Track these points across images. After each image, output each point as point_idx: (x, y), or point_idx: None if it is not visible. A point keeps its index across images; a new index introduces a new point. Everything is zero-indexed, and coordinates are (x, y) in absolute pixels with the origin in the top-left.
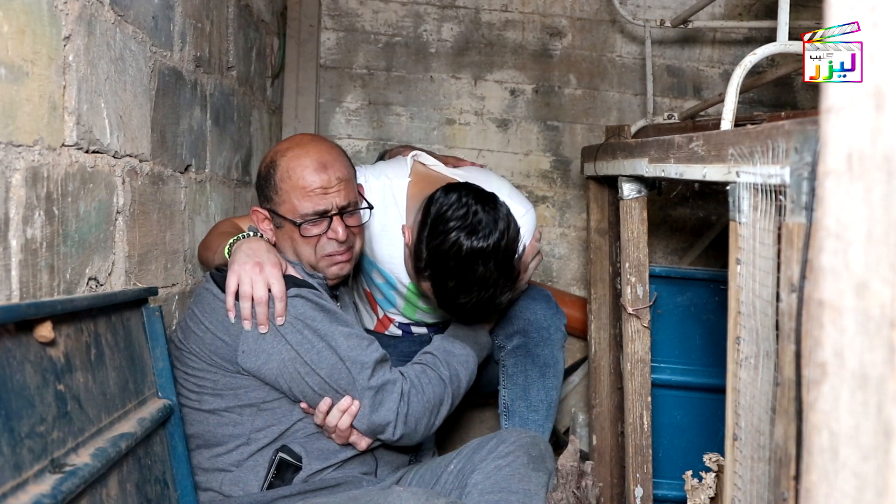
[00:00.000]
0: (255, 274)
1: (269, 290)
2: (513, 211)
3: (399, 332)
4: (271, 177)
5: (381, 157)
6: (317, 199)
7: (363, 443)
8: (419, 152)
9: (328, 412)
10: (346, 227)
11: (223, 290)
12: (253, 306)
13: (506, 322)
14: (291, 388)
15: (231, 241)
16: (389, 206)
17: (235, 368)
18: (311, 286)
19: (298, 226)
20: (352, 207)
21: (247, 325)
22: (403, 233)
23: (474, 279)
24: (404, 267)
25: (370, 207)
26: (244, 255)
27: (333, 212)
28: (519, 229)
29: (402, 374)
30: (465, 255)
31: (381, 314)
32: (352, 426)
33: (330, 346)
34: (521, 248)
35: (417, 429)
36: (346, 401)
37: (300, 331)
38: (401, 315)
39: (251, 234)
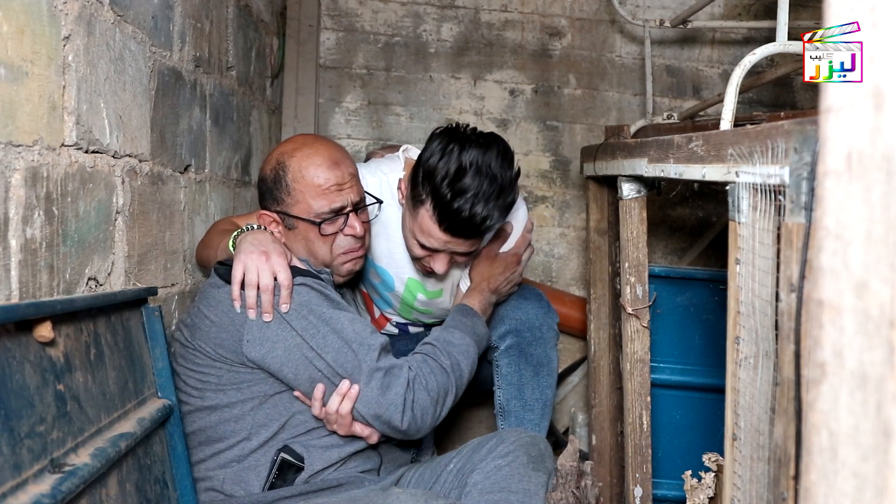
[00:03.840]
0: (261, 262)
1: (275, 279)
2: None
3: (396, 331)
4: (281, 178)
5: (366, 160)
6: (332, 196)
7: (375, 436)
8: (409, 146)
9: (323, 399)
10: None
11: (227, 282)
12: (258, 295)
13: (498, 322)
14: (298, 374)
15: (235, 233)
16: (387, 201)
17: (240, 360)
18: (316, 277)
19: (318, 225)
20: (363, 203)
21: (251, 313)
22: (398, 189)
23: (469, 186)
24: (400, 260)
25: (379, 202)
26: (249, 244)
27: (349, 208)
28: (514, 158)
29: (406, 363)
30: (460, 162)
31: (377, 314)
32: (360, 414)
33: (335, 330)
34: (517, 166)
35: (425, 418)
36: (344, 384)
37: (305, 317)
38: (397, 315)
39: (254, 227)
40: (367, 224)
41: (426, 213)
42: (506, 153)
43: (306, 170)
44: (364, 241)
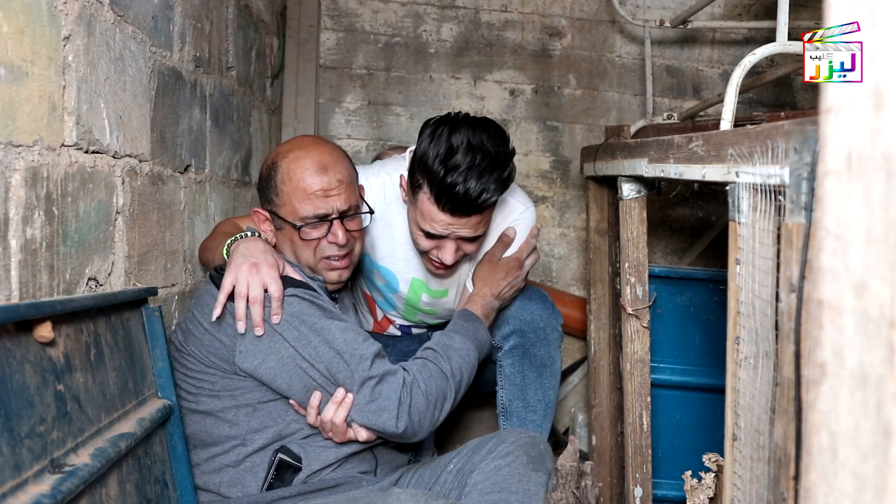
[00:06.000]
0: (251, 275)
1: (266, 291)
2: (511, 207)
3: (399, 333)
4: (272, 178)
5: (376, 160)
6: (317, 201)
7: (363, 433)
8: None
9: (319, 406)
10: (347, 231)
11: None
12: (248, 307)
13: (502, 322)
14: (292, 384)
15: (229, 241)
16: (391, 202)
17: (233, 369)
18: (308, 287)
19: (298, 229)
20: (352, 211)
21: (240, 326)
22: (401, 186)
23: (462, 161)
24: (404, 260)
25: (371, 212)
26: (241, 255)
27: (333, 215)
28: (508, 137)
29: (403, 367)
30: (451, 142)
31: (380, 316)
32: (353, 420)
33: (326, 340)
34: (510, 147)
35: (422, 422)
36: (339, 392)
37: (296, 327)
38: (401, 317)
39: (250, 233)
40: (357, 232)
41: (424, 197)
42: (498, 131)
43: (294, 172)
44: (350, 248)
